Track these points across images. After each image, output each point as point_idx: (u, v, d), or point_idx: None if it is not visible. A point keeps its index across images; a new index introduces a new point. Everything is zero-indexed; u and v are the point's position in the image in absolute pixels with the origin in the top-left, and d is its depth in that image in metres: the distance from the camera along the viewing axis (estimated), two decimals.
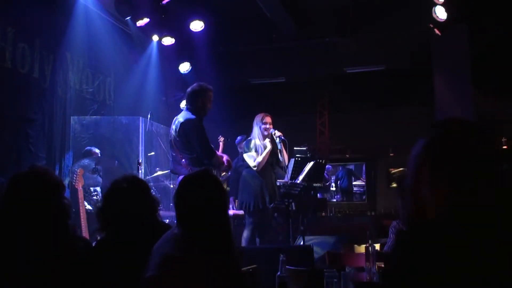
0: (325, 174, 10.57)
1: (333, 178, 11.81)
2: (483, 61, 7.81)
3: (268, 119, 5.43)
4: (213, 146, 4.94)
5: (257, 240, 5.42)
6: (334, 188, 11.82)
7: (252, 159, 5.35)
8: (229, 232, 2.26)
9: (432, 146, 1.23)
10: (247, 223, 5.44)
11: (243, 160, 5.55)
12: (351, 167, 11.97)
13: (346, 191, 11.80)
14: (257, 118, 5.46)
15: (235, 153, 6.90)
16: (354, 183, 11.91)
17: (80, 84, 6.38)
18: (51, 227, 2.23)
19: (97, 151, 5.86)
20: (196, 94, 4.77)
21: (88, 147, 5.93)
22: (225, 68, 8.58)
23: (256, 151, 5.36)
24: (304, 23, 8.11)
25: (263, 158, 5.32)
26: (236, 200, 6.06)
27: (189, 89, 4.84)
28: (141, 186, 2.46)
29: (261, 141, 5.38)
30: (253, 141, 5.40)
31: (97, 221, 2.42)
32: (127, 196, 2.39)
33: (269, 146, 5.34)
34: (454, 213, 1.15)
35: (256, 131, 5.44)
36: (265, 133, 5.38)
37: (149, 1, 6.70)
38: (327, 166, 11.31)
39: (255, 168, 5.35)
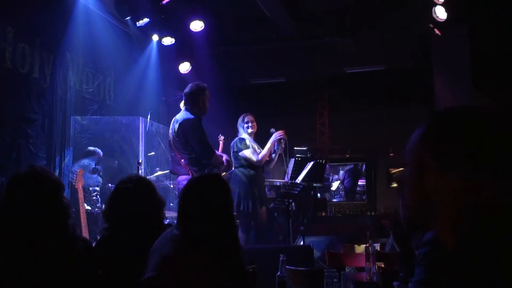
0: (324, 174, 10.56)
1: (335, 177, 11.78)
2: (483, 61, 7.81)
3: (249, 118, 5.35)
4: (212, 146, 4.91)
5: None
6: (334, 188, 11.78)
7: (254, 154, 5.20)
8: (235, 234, 2.27)
9: (436, 127, 1.02)
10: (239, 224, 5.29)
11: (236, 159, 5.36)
12: (351, 166, 11.92)
13: (349, 191, 11.74)
14: (239, 120, 5.40)
15: None
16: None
17: (80, 84, 6.38)
18: (51, 226, 2.23)
19: (100, 152, 5.85)
20: (196, 94, 4.77)
21: (91, 147, 5.92)
22: (225, 68, 8.58)
23: (253, 147, 5.28)
24: (304, 23, 8.10)
25: (267, 151, 5.22)
26: None
27: (186, 90, 4.82)
28: (147, 186, 2.47)
29: (251, 139, 5.31)
30: (244, 140, 5.31)
31: (103, 220, 2.43)
32: (132, 196, 2.39)
33: (273, 137, 5.28)
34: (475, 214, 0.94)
35: (241, 131, 5.36)
36: (249, 130, 5.33)
37: (149, 1, 6.70)
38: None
39: (258, 163, 5.20)
